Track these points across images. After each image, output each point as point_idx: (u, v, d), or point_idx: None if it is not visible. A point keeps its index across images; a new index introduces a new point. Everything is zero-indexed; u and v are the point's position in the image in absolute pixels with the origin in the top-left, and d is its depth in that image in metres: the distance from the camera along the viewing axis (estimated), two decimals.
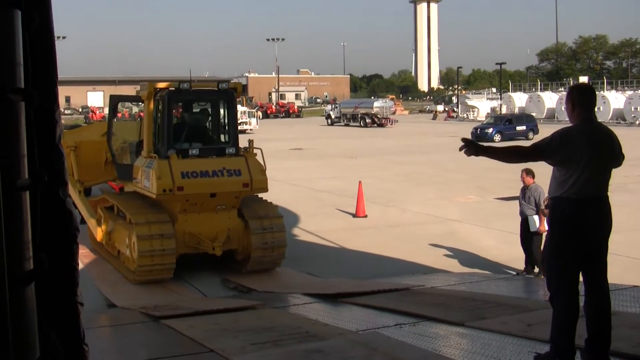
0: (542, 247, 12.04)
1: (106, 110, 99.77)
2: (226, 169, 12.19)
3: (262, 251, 12.53)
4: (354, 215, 18.99)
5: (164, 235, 11.83)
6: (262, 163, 12.66)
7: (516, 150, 6.49)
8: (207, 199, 12.23)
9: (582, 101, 5.91)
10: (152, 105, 12.73)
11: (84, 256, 14.32)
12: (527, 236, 12.65)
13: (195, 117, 13.47)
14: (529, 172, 12.66)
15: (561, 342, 5.70)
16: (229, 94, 12.86)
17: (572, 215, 5.72)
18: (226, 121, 13.31)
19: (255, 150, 12.77)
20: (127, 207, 12.82)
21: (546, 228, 12.15)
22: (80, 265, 13.02)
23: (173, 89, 12.53)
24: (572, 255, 5.73)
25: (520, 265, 13.11)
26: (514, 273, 12.91)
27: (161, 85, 12.81)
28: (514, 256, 13.98)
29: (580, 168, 5.66)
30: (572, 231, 5.73)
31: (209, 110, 13.54)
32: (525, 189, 12.85)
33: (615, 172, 6.07)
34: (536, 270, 12.50)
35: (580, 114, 5.86)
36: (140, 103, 14.14)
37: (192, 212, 12.31)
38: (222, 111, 13.42)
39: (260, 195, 13.26)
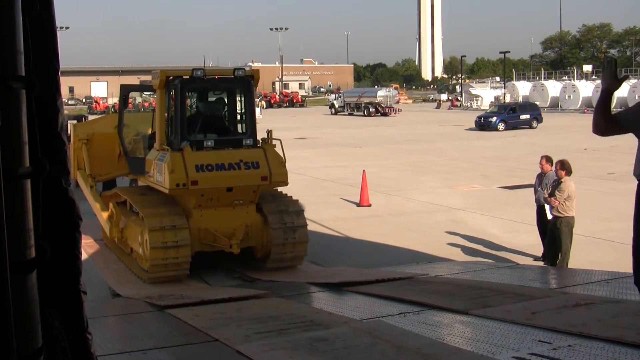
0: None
1: (110, 101, 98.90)
2: (243, 162, 11.57)
3: (282, 248, 11.96)
4: (358, 204, 19.01)
5: (178, 234, 11.26)
6: (282, 154, 12.01)
7: (608, 115, 5.24)
8: (223, 194, 11.64)
9: None
10: (164, 95, 12.15)
11: (89, 246, 14.31)
12: (544, 224, 12.56)
13: (210, 107, 12.83)
14: (548, 159, 12.63)
15: None
16: (245, 81, 12.20)
17: None
18: (243, 111, 12.61)
19: (274, 141, 12.13)
20: (139, 203, 12.18)
21: (550, 217, 12.22)
22: (85, 256, 12.97)
23: (186, 77, 11.91)
24: None
25: (525, 253, 13.13)
26: (533, 259, 12.89)
27: (174, 73, 12.23)
28: (518, 244, 14.00)
29: None
30: None
31: (225, 99, 12.89)
32: (542, 175, 12.77)
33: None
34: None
35: None
36: (149, 93, 13.63)
37: (208, 207, 11.73)
38: (238, 100, 12.73)
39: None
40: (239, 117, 12.83)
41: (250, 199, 11.96)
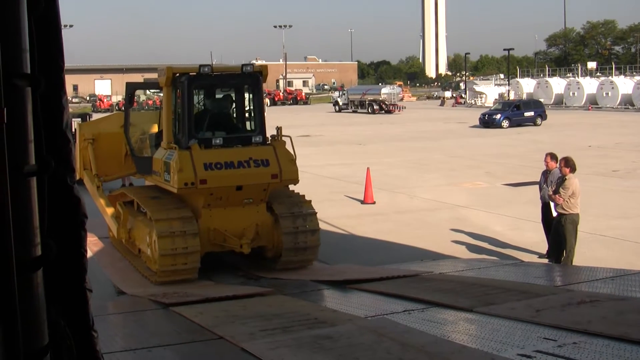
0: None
1: (114, 99, 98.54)
2: (253, 159, 11.34)
3: (294, 247, 11.76)
4: (362, 202, 18.99)
5: (187, 234, 11.05)
6: (292, 152, 11.80)
7: None
8: (232, 193, 11.37)
9: None
10: (171, 92, 11.88)
11: (93, 244, 14.31)
12: (549, 221, 12.51)
13: (218, 104, 12.53)
14: (553, 157, 12.59)
15: None
16: (253, 77, 11.89)
17: None
18: (252, 107, 12.32)
19: (284, 138, 11.86)
20: (147, 202, 11.93)
21: (554, 214, 12.19)
22: (90, 253, 12.87)
23: (193, 73, 11.63)
24: None
25: (529, 250, 13.10)
26: (537, 256, 12.87)
27: (180, 70, 11.95)
28: (523, 242, 13.98)
29: None
30: None
31: (233, 96, 12.61)
32: (547, 172, 12.73)
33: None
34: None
35: None
36: (155, 90, 13.38)
37: (217, 206, 11.49)
38: (246, 97, 12.44)
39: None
40: (247, 114, 12.59)
41: (261, 198, 11.75)
